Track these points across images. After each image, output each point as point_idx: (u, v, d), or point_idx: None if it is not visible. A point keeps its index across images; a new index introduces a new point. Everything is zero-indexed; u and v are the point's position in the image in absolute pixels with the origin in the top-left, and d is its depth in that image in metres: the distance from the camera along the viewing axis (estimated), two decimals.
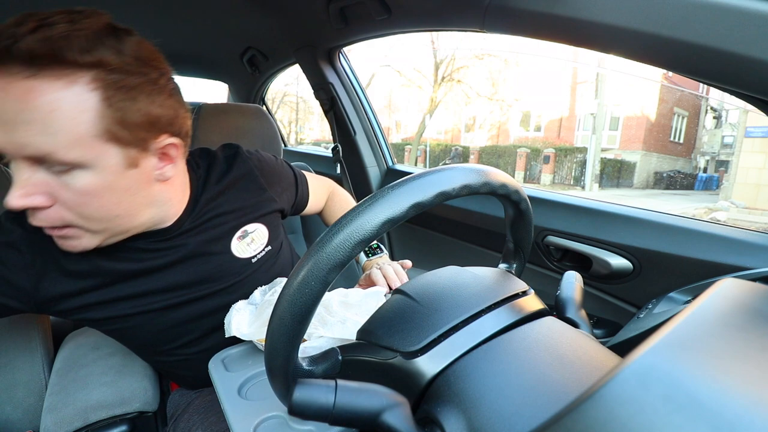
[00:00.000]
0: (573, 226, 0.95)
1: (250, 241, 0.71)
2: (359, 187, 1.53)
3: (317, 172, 1.11)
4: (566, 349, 0.37)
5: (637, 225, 0.86)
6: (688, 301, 0.74)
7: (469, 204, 1.18)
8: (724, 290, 0.31)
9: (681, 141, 15.85)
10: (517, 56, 15.21)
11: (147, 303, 0.62)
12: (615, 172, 14.35)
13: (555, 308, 0.49)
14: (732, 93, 0.62)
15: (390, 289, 0.70)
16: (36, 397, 0.74)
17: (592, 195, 10.70)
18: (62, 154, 0.45)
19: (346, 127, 1.46)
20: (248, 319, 0.58)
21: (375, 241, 0.84)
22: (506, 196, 0.44)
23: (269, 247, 0.74)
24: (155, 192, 0.57)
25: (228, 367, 0.56)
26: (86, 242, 0.54)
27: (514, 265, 0.54)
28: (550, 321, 0.42)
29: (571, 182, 14.05)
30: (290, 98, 16.91)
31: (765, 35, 0.53)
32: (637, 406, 0.22)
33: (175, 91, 0.56)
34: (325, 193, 0.97)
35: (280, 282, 0.67)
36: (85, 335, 0.86)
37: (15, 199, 0.46)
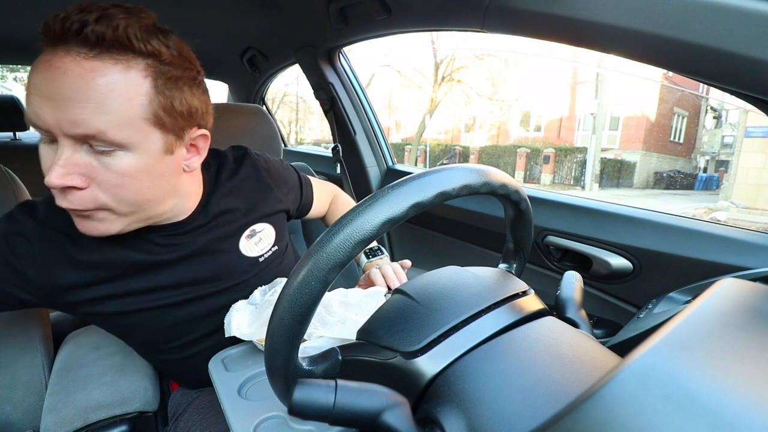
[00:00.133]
0: (573, 226, 0.95)
1: (258, 241, 0.73)
2: (359, 187, 1.53)
3: (317, 172, 1.11)
4: (566, 349, 0.37)
5: (637, 225, 0.86)
6: (688, 301, 0.74)
7: (469, 204, 1.18)
8: (724, 290, 0.31)
9: (681, 141, 15.85)
10: (517, 56, 15.21)
11: (154, 299, 0.63)
12: (615, 172, 14.34)
13: (555, 308, 0.49)
14: (732, 93, 0.62)
15: (389, 288, 0.70)
16: (36, 397, 0.74)
17: (592, 195, 10.70)
18: (113, 133, 0.48)
19: (346, 127, 1.46)
20: (248, 319, 0.58)
21: (376, 243, 0.84)
22: (506, 196, 0.44)
23: (276, 247, 0.75)
24: (181, 182, 0.60)
25: (228, 367, 0.56)
26: (110, 226, 0.55)
27: (514, 265, 0.54)
28: (550, 321, 0.42)
29: (571, 182, 14.05)
30: (290, 98, 16.90)
31: (765, 35, 0.53)
32: (637, 406, 0.22)
33: (206, 88, 0.60)
34: (328, 198, 0.98)
35: (280, 282, 0.67)
36: (85, 335, 0.86)
37: (54, 178, 0.48)
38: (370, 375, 0.41)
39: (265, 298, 0.62)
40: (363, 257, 0.83)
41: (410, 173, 0.37)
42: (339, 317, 0.53)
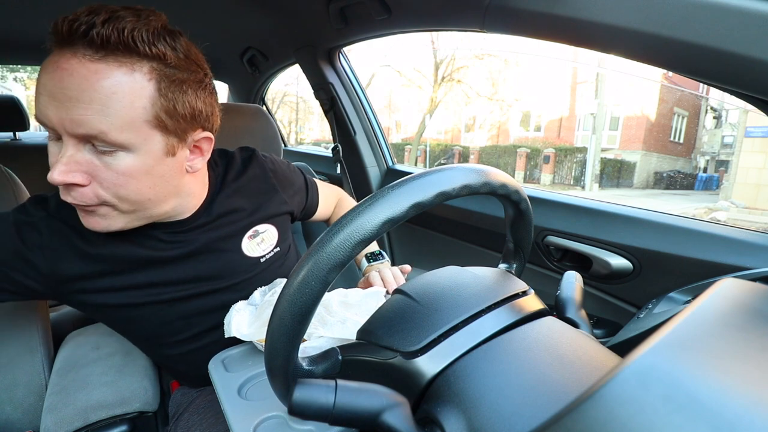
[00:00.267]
0: (573, 226, 0.95)
1: (260, 241, 0.73)
2: (359, 187, 1.53)
3: (317, 172, 1.11)
4: (566, 349, 0.37)
5: (637, 225, 0.86)
6: (688, 301, 0.74)
7: (469, 204, 1.18)
8: (724, 290, 0.31)
9: (681, 141, 15.84)
10: (517, 56, 15.21)
11: (156, 293, 0.64)
12: (615, 172, 14.34)
13: (555, 308, 0.49)
14: (732, 93, 0.62)
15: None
16: (36, 397, 0.74)
17: (592, 195, 10.70)
18: (114, 135, 0.49)
19: (346, 127, 1.46)
20: (248, 319, 0.58)
21: (377, 248, 0.84)
22: (506, 196, 0.44)
23: (278, 249, 0.76)
24: (183, 182, 0.60)
25: (228, 368, 0.56)
26: (112, 222, 0.56)
27: (514, 265, 0.54)
28: (550, 321, 0.42)
29: (571, 182, 14.05)
30: (290, 98, 16.90)
31: (765, 35, 0.53)
32: (637, 406, 0.22)
33: (214, 90, 0.61)
34: (333, 201, 0.99)
35: (280, 282, 0.67)
36: (85, 335, 0.86)
37: (57, 175, 0.49)
38: (370, 375, 0.41)
39: (265, 298, 0.62)
40: (364, 261, 0.83)
41: (410, 173, 0.37)
42: (339, 317, 0.53)
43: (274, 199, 0.77)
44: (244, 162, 0.77)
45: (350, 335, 0.48)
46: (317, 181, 0.95)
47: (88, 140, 0.50)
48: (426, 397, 0.37)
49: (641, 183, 14.46)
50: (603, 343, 0.41)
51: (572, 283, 0.50)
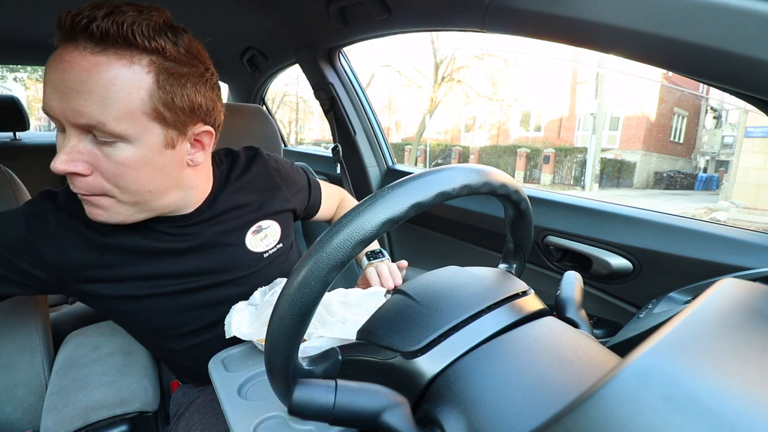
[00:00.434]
0: (573, 226, 0.95)
1: (264, 237, 0.75)
2: (359, 187, 1.53)
3: (317, 172, 1.11)
4: (566, 349, 0.37)
5: (637, 225, 0.86)
6: (688, 301, 0.74)
7: (469, 204, 1.18)
8: (724, 290, 0.31)
9: (681, 141, 15.84)
10: (517, 56, 15.21)
11: (160, 285, 0.65)
12: (615, 172, 14.34)
13: (555, 308, 0.49)
14: (732, 93, 0.62)
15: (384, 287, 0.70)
16: (36, 397, 0.74)
17: (592, 195, 10.70)
18: (112, 125, 0.50)
19: (346, 127, 1.46)
20: (248, 319, 0.58)
21: (378, 246, 0.85)
22: (506, 196, 0.44)
23: (281, 245, 0.77)
24: (184, 176, 0.61)
25: (228, 368, 0.56)
26: (114, 213, 0.57)
27: (514, 265, 0.54)
28: (550, 321, 0.42)
29: (571, 182, 14.05)
30: (290, 98, 16.91)
31: (765, 35, 0.53)
32: (637, 406, 0.22)
33: (216, 86, 0.62)
34: (336, 201, 1.00)
35: (280, 282, 0.67)
36: (85, 335, 0.86)
37: (59, 164, 0.51)
38: (370, 375, 0.41)
39: (265, 298, 0.62)
40: (365, 260, 0.84)
41: (410, 173, 0.37)
42: (339, 317, 0.53)
43: (277, 197, 0.78)
44: (248, 160, 0.78)
45: (350, 335, 0.48)
46: (320, 181, 0.96)
47: (89, 131, 0.51)
48: (426, 397, 0.37)
49: (641, 183, 14.46)
50: (603, 343, 0.41)
51: (572, 283, 0.50)
